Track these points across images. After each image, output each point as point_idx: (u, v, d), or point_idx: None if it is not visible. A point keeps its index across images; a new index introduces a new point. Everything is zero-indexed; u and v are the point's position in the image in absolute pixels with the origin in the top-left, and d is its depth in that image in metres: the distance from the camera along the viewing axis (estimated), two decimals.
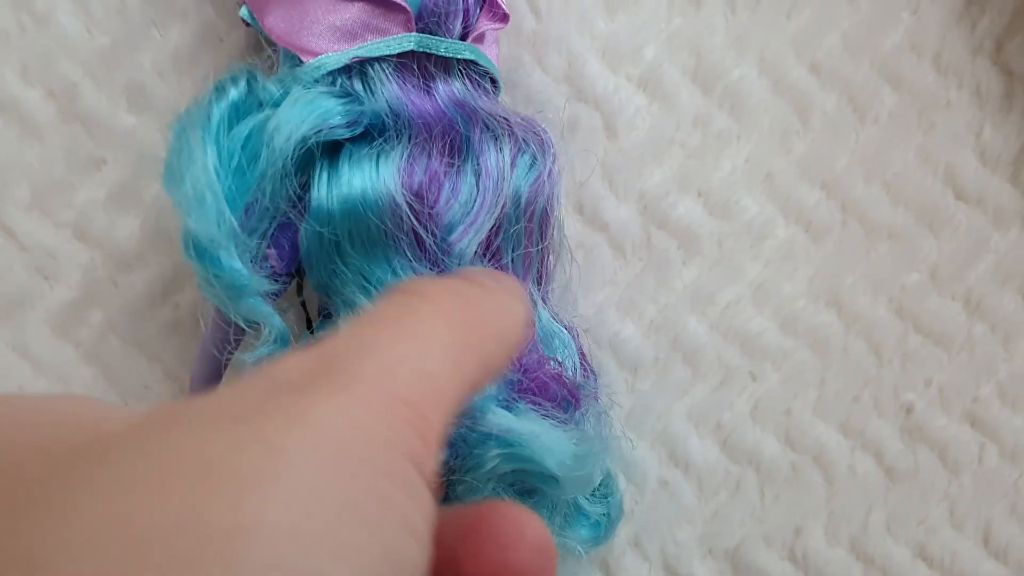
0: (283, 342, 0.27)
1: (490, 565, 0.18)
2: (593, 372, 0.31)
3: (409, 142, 0.27)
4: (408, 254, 0.26)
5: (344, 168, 0.27)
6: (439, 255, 0.27)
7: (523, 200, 0.28)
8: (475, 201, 0.27)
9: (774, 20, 0.34)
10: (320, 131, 0.26)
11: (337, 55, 0.27)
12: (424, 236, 0.26)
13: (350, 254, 0.27)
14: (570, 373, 0.29)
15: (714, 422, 0.34)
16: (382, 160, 0.26)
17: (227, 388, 0.15)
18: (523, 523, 0.19)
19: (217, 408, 0.15)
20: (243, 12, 0.29)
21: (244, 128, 0.26)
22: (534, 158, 0.28)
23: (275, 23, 0.27)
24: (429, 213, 0.26)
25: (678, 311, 0.34)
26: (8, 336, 0.33)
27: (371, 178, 0.26)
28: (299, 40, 0.27)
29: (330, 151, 0.27)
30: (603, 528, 0.31)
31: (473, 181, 0.27)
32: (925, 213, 0.34)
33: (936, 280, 0.34)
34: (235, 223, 0.25)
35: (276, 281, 0.27)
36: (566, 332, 0.30)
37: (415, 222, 0.26)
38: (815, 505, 0.35)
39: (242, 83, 0.27)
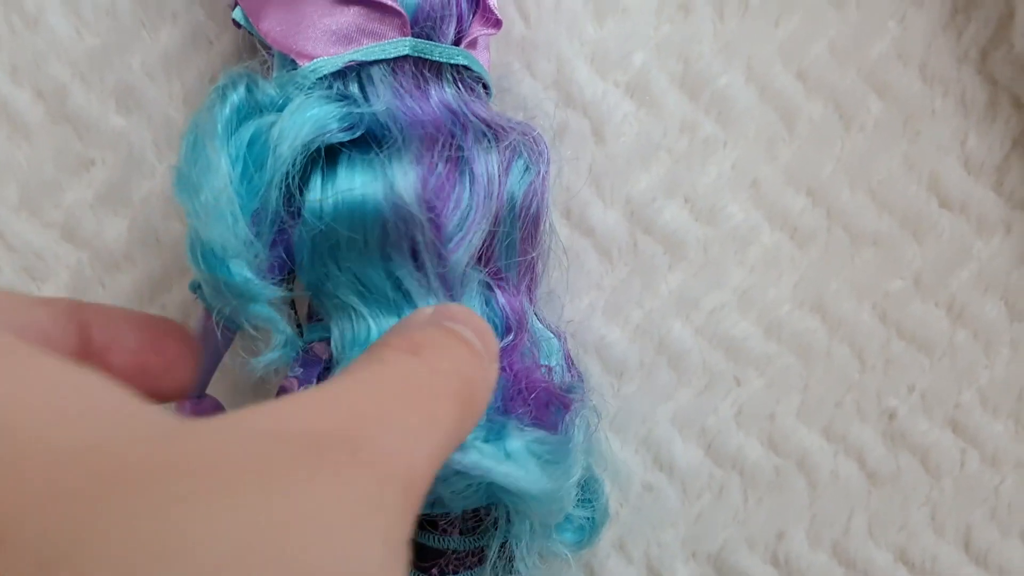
0: (291, 346, 0.27)
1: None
2: (579, 376, 0.31)
3: (412, 148, 0.27)
4: (406, 260, 0.27)
5: (343, 172, 0.27)
6: (435, 262, 0.27)
7: (517, 206, 0.28)
8: (470, 210, 0.27)
9: (761, 28, 0.34)
10: (321, 136, 0.26)
11: (333, 59, 0.27)
12: (421, 244, 0.26)
13: (346, 258, 0.27)
14: (558, 378, 0.29)
15: (698, 426, 0.35)
16: (389, 166, 0.26)
17: (243, 437, 0.16)
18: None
19: (240, 467, 0.15)
20: (236, 14, 0.29)
21: (246, 133, 0.26)
22: (528, 163, 0.28)
23: (271, 27, 0.27)
24: (435, 222, 0.26)
25: (663, 316, 0.34)
26: None
27: (376, 184, 0.26)
28: (295, 44, 0.27)
29: (328, 155, 0.27)
30: (588, 532, 0.31)
31: (468, 189, 0.27)
32: (909, 220, 0.34)
33: (919, 287, 0.34)
34: (250, 233, 0.25)
35: (279, 286, 0.27)
36: (553, 337, 0.30)
37: (423, 230, 0.26)
38: (798, 509, 0.35)
39: (242, 87, 0.27)
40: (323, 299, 0.28)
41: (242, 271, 0.25)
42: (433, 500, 0.27)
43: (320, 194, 0.26)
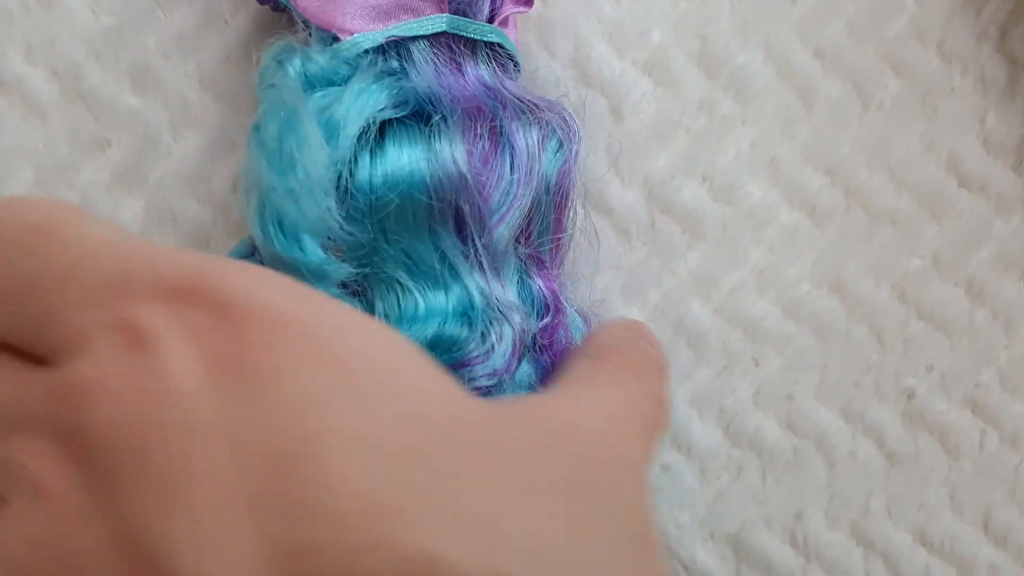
0: None
1: None
2: None
3: (455, 123, 0.27)
4: (451, 233, 0.26)
5: (391, 147, 0.27)
6: (480, 237, 0.27)
7: (552, 184, 0.28)
8: (511, 184, 0.27)
9: (779, 6, 0.34)
10: (379, 113, 0.26)
11: (373, 34, 0.27)
12: (468, 214, 0.26)
13: (394, 231, 0.26)
14: None
15: (717, 406, 0.35)
16: (436, 140, 0.26)
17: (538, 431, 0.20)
18: None
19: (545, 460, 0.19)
20: None
21: (313, 107, 0.26)
22: (560, 142, 0.28)
23: (309, 2, 0.27)
24: (481, 193, 0.26)
25: (682, 296, 0.34)
26: None
27: (423, 157, 0.26)
28: (333, 19, 0.27)
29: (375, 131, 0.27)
30: None
31: (508, 165, 0.27)
32: (928, 199, 0.34)
33: (938, 266, 0.34)
34: (336, 211, 0.25)
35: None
36: (579, 318, 0.30)
37: (470, 200, 0.26)
38: (816, 489, 0.35)
39: (297, 60, 0.27)
40: (368, 275, 0.27)
41: (317, 250, 0.25)
42: None
43: (370, 169, 0.26)
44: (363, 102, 0.26)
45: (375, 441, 0.16)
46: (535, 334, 0.28)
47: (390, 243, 0.27)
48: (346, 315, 0.19)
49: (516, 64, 0.29)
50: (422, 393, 0.18)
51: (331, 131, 0.25)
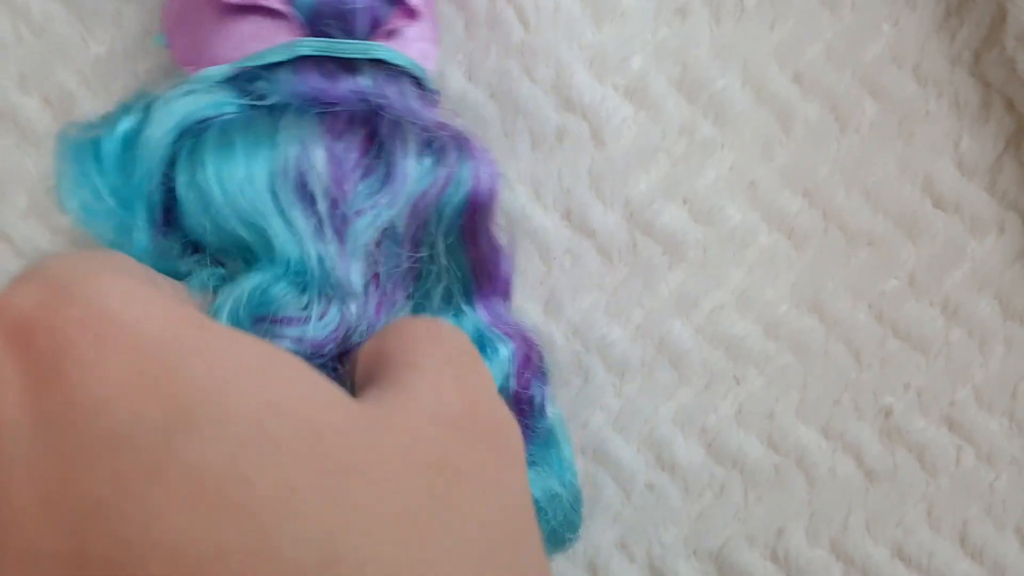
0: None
1: None
2: (541, 376, 0.30)
3: (312, 119, 0.27)
4: (297, 203, 0.26)
5: (237, 139, 0.27)
6: (332, 218, 0.26)
7: (428, 200, 0.28)
8: (380, 188, 0.27)
9: (758, 31, 0.34)
10: (196, 118, 0.27)
11: (221, 67, 0.27)
12: (319, 196, 0.26)
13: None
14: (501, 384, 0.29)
15: (699, 425, 0.35)
16: (283, 130, 0.26)
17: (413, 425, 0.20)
18: None
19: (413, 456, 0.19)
20: (157, 39, 0.30)
21: (119, 132, 0.27)
22: (437, 159, 0.28)
23: (177, 46, 0.29)
24: (340, 186, 0.27)
25: (664, 316, 0.35)
26: None
27: (264, 145, 0.26)
28: (198, 60, 0.28)
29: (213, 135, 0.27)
30: (554, 541, 0.30)
31: (383, 175, 0.27)
32: (904, 221, 0.35)
33: (914, 286, 0.35)
34: (144, 220, 0.26)
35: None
36: (504, 339, 0.29)
37: (325, 186, 0.26)
38: (797, 506, 0.35)
39: (136, 111, 0.27)
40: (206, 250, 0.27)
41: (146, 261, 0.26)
42: None
43: (207, 159, 0.26)
44: (168, 109, 0.26)
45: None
46: None
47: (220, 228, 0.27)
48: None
49: (419, 81, 0.29)
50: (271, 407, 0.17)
51: (141, 146, 0.26)
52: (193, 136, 0.27)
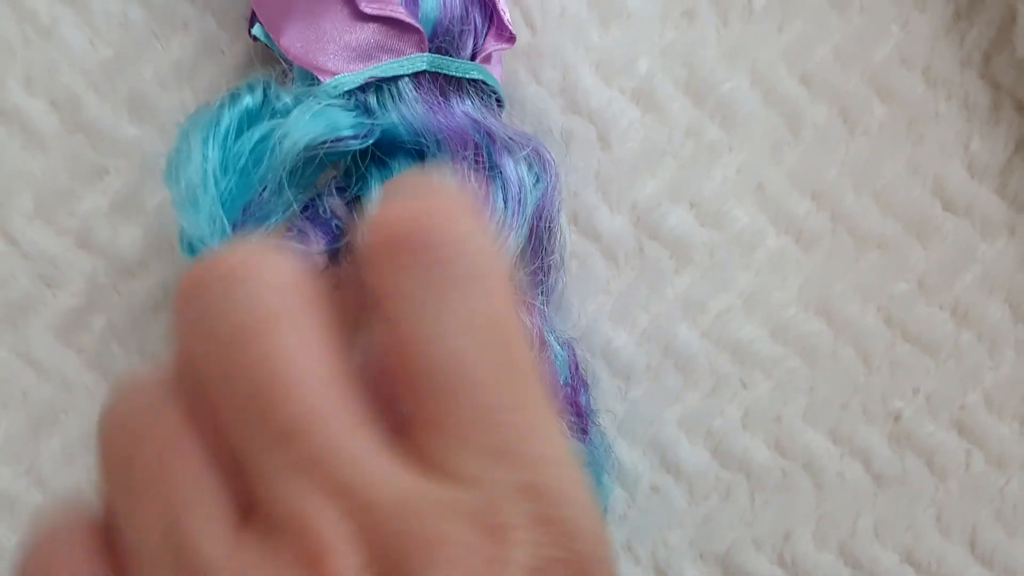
0: None
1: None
2: (585, 384, 0.32)
3: (444, 155, 0.27)
4: None
5: (398, 170, 0.28)
6: None
7: (530, 218, 0.29)
8: (504, 215, 0.28)
9: (766, 33, 0.34)
10: (329, 140, 0.27)
11: (353, 75, 0.28)
12: None
13: None
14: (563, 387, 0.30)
15: (705, 429, 0.35)
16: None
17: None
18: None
19: None
20: (257, 31, 0.29)
21: (255, 133, 0.27)
22: (538, 175, 0.29)
23: (290, 42, 0.28)
24: None
25: (670, 319, 0.35)
26: (12, 342, 0.34)
27: None
28: (315, 59, 0.28)
29: (377, 163, 0.28)
30: None
31: (500, 195, 0.28)
32: (913, 223, 0.35)
33: (924, 289, 0.35)
34: (227, 223, 0.26)
35: None
36: (561, 349, 0.31)
37: None
38: (804, 510, 0.35)
39: (259, 92, 0.28)
40: None
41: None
42: None
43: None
44: (307, 122, 0.27)
45: None
46: None
47: None
48: None
49: (499, 100, 0.30)
50: None
51: (266, 150, 0.26)
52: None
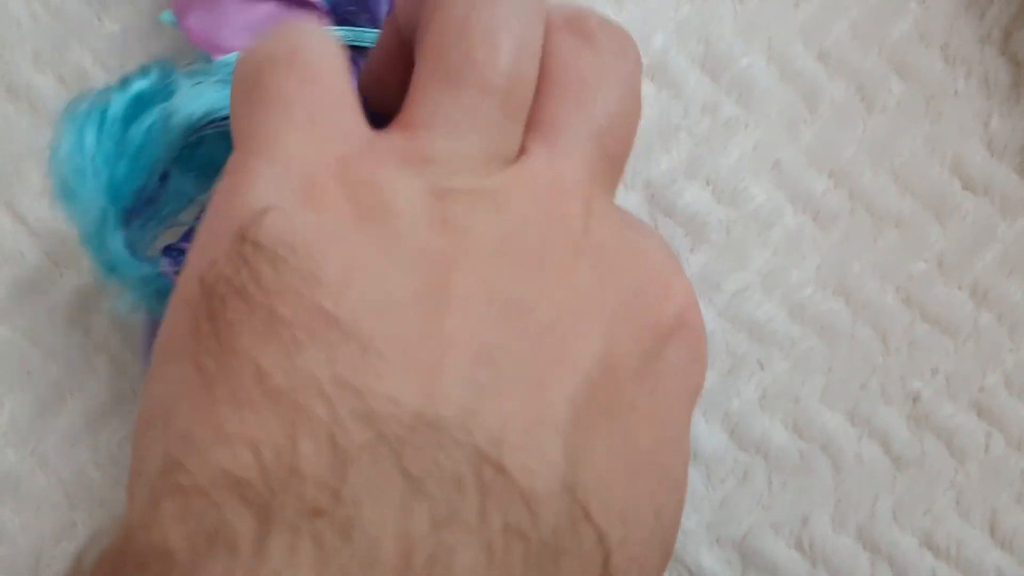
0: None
1: None
2: None
3: None
4: None
5: None
6: None
7: None
8: None
9: (782, 8, 0.34)
10: (216, 119, 0.26)
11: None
12: None
13: None
14: None
15: (722, 410, 0.35)
16: None
17: None
18: None
19: None
20: (165, 16, 0.29)
21: (147, 118, 0.26)
22: None
23: (193, 24, 0.28)
24: None
25: None
26: (19, 321, 0.34)
27: None
28: (215, 39, 0.28)
29: None
30: None
31: None
32: (932, 202, 0.34)
33: (943, 269, 0.34)
34: (113, 211, 0.26)
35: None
36: None
37: None
38: (822, 493, 0.35)
39: (153, 75, 0.27)
40: None
41: (113, 246, 0.25)
42: None
43: None
44: (192, 100, 0.26)
45: None
46: None
47: None
48: None
49: None
50: None
51: (157, 132, 0.26)
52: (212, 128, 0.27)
